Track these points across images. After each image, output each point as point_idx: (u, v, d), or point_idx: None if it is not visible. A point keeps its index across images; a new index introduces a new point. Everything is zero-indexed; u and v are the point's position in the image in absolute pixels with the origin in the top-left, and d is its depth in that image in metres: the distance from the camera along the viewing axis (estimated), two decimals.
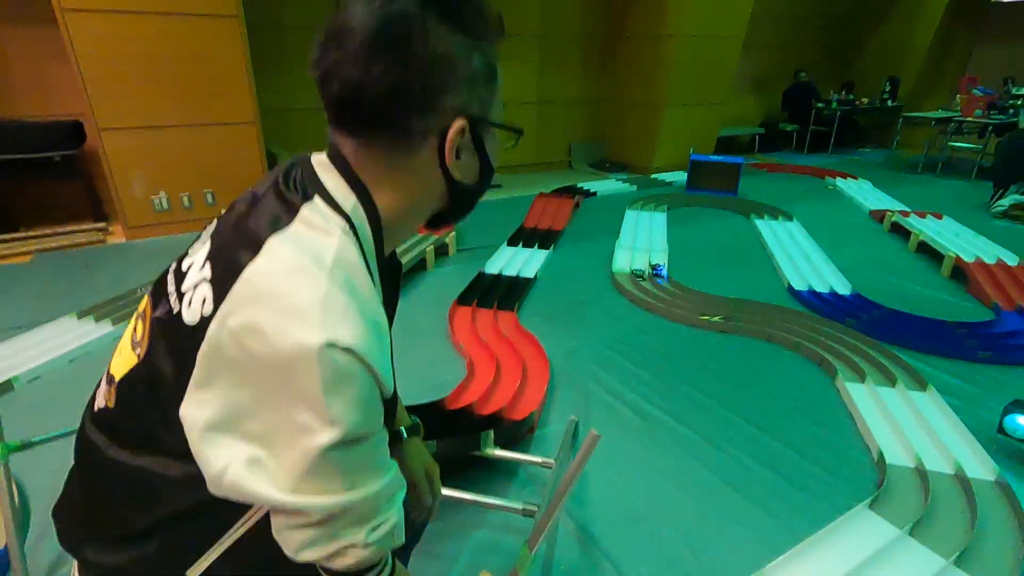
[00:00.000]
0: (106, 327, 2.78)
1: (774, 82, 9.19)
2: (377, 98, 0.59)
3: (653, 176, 6.79)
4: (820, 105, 8.64)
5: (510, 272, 3.65)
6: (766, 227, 4.70)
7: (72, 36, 3.60)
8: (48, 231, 4.13)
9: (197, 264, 0.63)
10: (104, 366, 0.75)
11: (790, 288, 3.50)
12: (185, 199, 4.33)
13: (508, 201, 5.62)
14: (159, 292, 0.67)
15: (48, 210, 4.36)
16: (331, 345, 0.53)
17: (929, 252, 4.10)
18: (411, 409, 2.01)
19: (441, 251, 4.05)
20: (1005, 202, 5.35)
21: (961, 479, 1.86)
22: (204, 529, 0.68)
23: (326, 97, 0.63)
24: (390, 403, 0.64)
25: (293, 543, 0.60)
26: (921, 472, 1.89)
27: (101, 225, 4.34)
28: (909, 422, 2.17)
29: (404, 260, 3.53)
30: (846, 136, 9.21)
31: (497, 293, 3.29)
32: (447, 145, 0.64)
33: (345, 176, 0.64)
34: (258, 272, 0.57)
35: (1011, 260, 3.77)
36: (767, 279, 3.71)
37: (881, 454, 1.98)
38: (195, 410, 0.58)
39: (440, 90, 0.62)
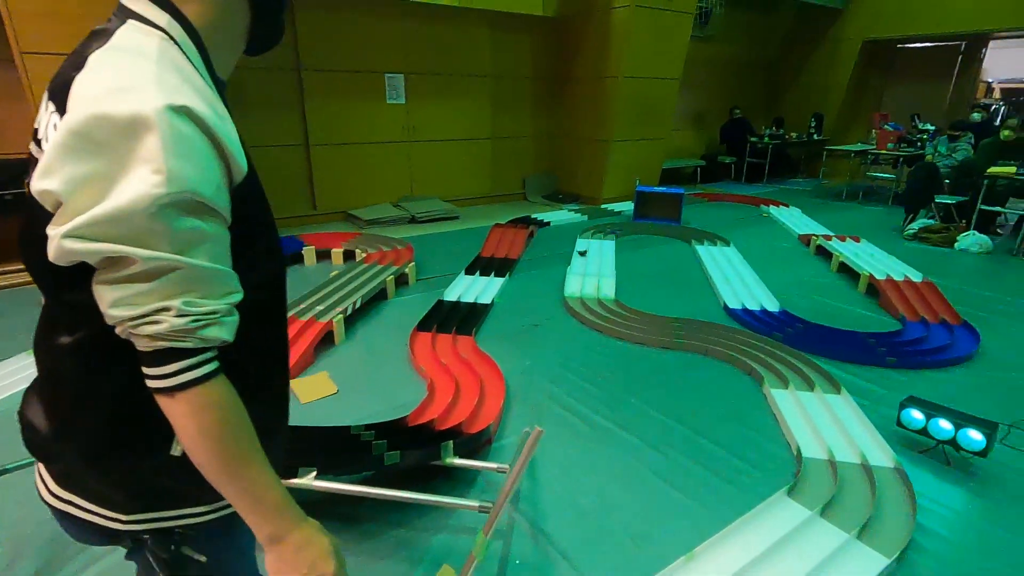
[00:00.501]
0: None
1: (712, 118, 9.89)
2: None
3: (603, 206, 7.17)
4: (754, 139, 9.34)
5: (468, 299, 3.83)
6: (705, 252, 5.07)
7: (30, 78, 3.67)
8: (3, 268, 4.09)
9: (42, 113, 0.66)
10: None
11: (725, 307, 3.81)
12: None
13: (465, 232, 5.85)
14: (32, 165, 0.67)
15: (3, 247, 4.29)
16: (170, 107, 0.56)
17: (848, 272, 4.53)
18: (375, 427, 2.16)
19: (401, 281, 4.20)
20: (915, 226, 5.94)
21: (865, 467, 2.13)
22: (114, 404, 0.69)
23: None
24: (251, 196, 0.69)
25: (108, 298, 0.59)
26: (832, 463, 2.15)
27: None
28: (824, 421, 2.45)
29: (366, 289, 3.67)
30: (779, 167, 9.95)
31: (456, 319, 3.46)
32: None
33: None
34: (86, 78, 0.59)
35: (916, 277, 4.22)
36: (706, 299, 4.02)
37: (799, 449, 2.23)
38: (41, 182, 0.58)
39: None
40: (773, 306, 3.81)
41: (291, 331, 3.07)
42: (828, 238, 5.38)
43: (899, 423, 2.35)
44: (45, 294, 0.69)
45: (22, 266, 3.36)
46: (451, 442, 1.95)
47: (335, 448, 1.92)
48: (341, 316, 3.25)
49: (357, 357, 3.08)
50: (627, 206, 6.91)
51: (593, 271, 4.44)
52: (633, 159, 7.35)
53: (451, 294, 3.92)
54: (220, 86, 0.72)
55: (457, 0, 6.94)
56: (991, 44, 9.21)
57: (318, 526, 0.73)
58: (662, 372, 2.93)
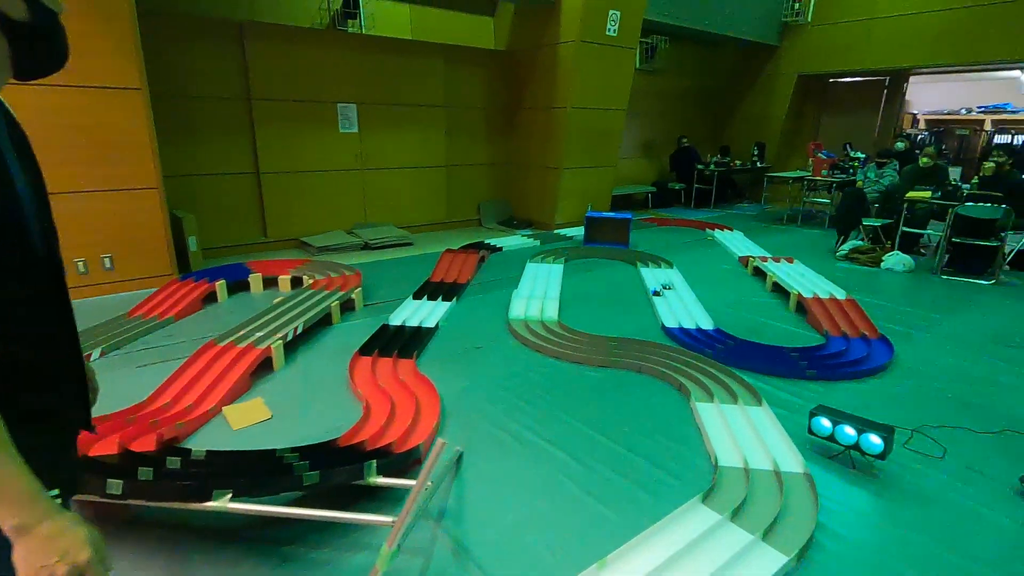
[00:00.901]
0: None
1: (661, 147, 10.32)
2: None
3: (556, 231, 7.35)
4: (701, 167, 9.76)
5: (413, 323, 3.88)
6: (649, 274, 5.26)
7: None
8: None
9: None
10: None
11: (663, 326, 3.96)
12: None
13: (417, 258, 5.91)
14: None
15: None
16: None
17: (781, 291, 4.76)
18: (300, 449, 2.17)
19: (348, 306, 4.22)
20: (846, 247, 6.30)
21: (777, 473, 2.25)
22: None
23: None
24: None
25: None
26: (746, 470, 2.26)
27: None
28: (744, 431, 2.57)
29: (309, 315, 3.67)
30: (726, 193, 10.41)
31: (399, 343, 3.49)
32: None
33: None
34: None
35: (840, 295, 4.47)
36: (646, 319, 4.17)
37: (716, 458, 2.34)
38: None
39: None
40: (708, 324, 3.97)
41: (228, 358, 3.05)
42: (764, 259, 5.65)
43: (810, 431, 2.49)
44: None
45: None
46: (374, 461, 1.98)
47: (256, 471, 1.92)
48: (280, 342, 3.25)
49: (295, 382, 3.07)
50: (579, 231, 7.10)
51: (539, 294, 4.55)
52: (584, 186, 7.59)
53: (397, 318, 3.95)
54: None
55: (411, 33, 7.15)
56: (912, 79, 9.94)
57: (76, 518, 0.72)
58: (596, 389, 3.02)
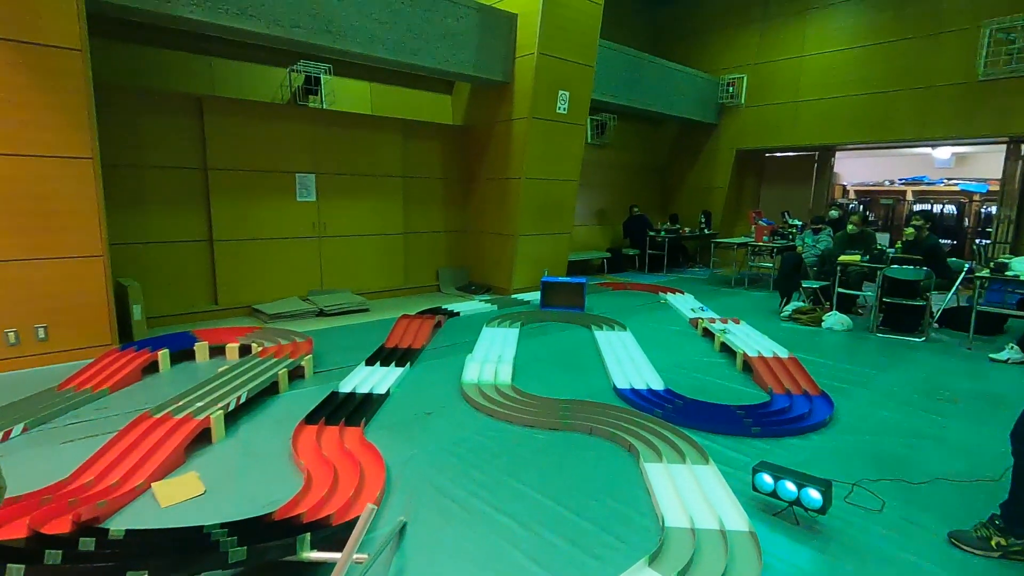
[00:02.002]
0: None
1: (614, 214, 10.80)
2: None
3: (513, 296, 7.46)
4: (652, 233, 10.21)
5: (363, 389, 3.81)
6: (603, 336, 5.36)
7: None
8: None
9: None
10: None
11: (615, 387, 4.01)
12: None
13: (372, 324, 5.87)
14: None
15: None
16: None
17: (729, 351, 4.92)
18: (231, 524, 2.06)
19: (297, 374, 4.12)
20: (789, 308, 6.60)
21: (722, 532, 2.25)
22: None
23: None
24: None
25: None
26: (692, 530, 2.26)
27: None
28: (691, 490, 2.58)
29: (254, 384, 3.57)
30: (677, 258, 10.86)
31: (346, 410, 3.41)
32: None
33: None
34: None
35: (783, 353, 4.65)
36: (598, 381, 4.21)
37: (663, 519, 2.33)
38: None
39: None
40: (658, 385, 4.04)
41: (163, 431, 2.91)
42: (713, 321, 5.86)
43: (754, 487, 2.52)
44: None
45: None
46: (308, 535, 1.89)
47: (178, 549, 1.81)
48: (221, 412, 3.13)
49: (234, 454, 2.94)
50: (536, 295, 7.22)
51: (493, 357, 4.55)
52: (540, 251, 7.81)
53: (347, 385, 3.88)
54: None
55: (371, 109, 7.46)
56: (839, 154, 10.86)
57: None
58: (546, 453, 3.00)
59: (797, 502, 2.39)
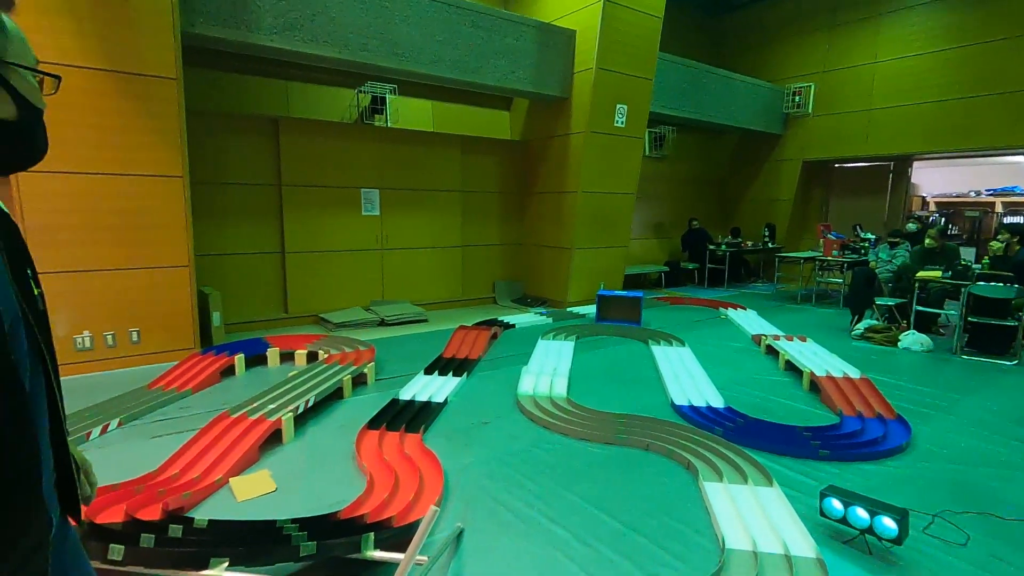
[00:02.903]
0: None
1: (672, 228, 10.61)
2: None
3: (568, 309, 7.45)
4: (712, 247, 9.95)
5: (422, 398, 3.92)
6: (660, 351, 5.27)
7: (21, 193, 3.98)
8: None
9: None
10: None
11: (673, 403, 3.93)
12: (109, 338, 4.47)
13: (430, 334, 6.02)
14: None
15: None
16: None
17: (794, 369, 4.72)
18: (301, 521, 2.18)
19: (360, 380, 4.29)
20: (861, 326, 6.25)
21: (787, 557, 2.17)
22: None
23: None
24: None
25: None
26: (755, 554, 2.19)
27: None
28: (752, 513, 2.50)
29: (321, 388, 3.75)
30: (739, 272, 10.52)
31: (407, 417, 3.53)
32: None
33: None
34: None
35: (855, 374, 4.41)
36: (655, 396, 4.14)
37: (724, 540, 2.27)
38: None
39: None
40: (719, 402, 3.93)
41: (239, 430, 3.12)
42: (777, 338, 5.63)
43: (822, 513, 2.41)
44: None
45: None
46: (372, 534, 1.97)
47: (254, 540, 1.93)
48: (291, 415, 3.31)
49: (303, 455, 3.10)
50: (591, 309, 7.19)
51: (548, 370, 4.57)
52: (595, 265, 7.78)
53: (407, 393, 4.00)
54: None
55: (432, 126, 7.72)
56: (916, 164, 10.23)
57: None
58: (601, 466, 2.98)
59: (870, 530, 2.27)
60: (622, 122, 7.38)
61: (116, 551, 1.72)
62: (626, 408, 3.81)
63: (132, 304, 4.53)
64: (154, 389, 3.98)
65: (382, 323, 6.47)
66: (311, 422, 3.54)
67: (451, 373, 4.51)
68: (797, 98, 10.16)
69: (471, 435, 3.38)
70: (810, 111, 10.09)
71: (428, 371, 4.57)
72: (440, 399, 3.91)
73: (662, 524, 2.45)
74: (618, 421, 3.54)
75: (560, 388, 4.14)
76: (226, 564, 1.73)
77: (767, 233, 10.50)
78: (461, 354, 5.09)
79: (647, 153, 9.64)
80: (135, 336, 4.58)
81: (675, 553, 2.24)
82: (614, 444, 3.27)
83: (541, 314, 7.15)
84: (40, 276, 0.92)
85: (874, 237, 8.84)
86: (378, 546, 2.01)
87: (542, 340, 5.67)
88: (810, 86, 10.07)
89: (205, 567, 1.72)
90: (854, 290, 6.66)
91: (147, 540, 1.80)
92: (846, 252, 8.49)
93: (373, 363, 4.46)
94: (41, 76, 0.83)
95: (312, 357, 4.85)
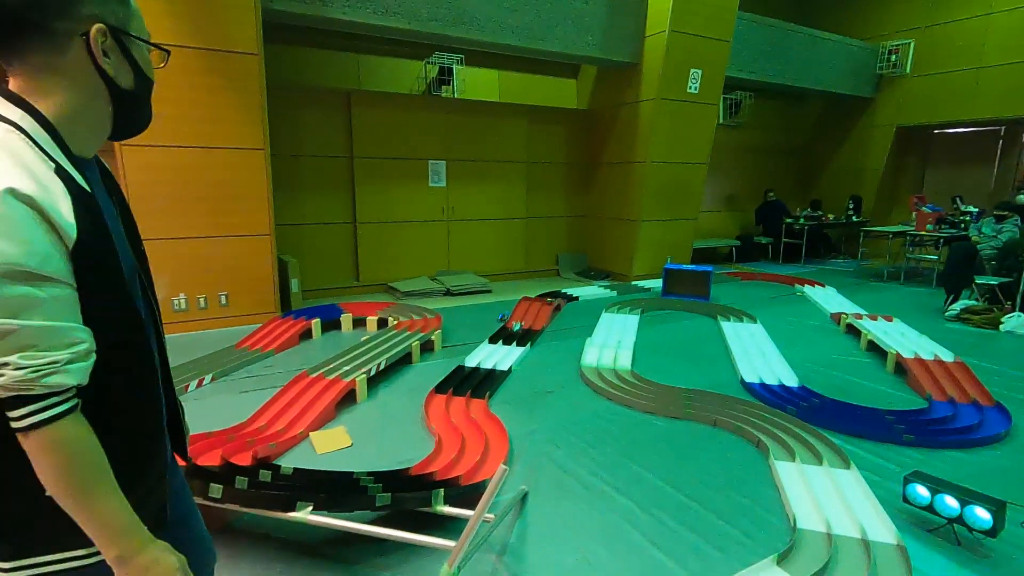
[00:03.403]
0: None
1: (746, 200, 10.09)
2: (18, 5, 0.72)
3: (633, 283, 7.32)
4: (790, 220, 9.40)
5: (487, 365, 4.00)
6: (730, 328, 5.09)
7: (125, 165, 4.32)
8: None
9: None
10: None
11: (742, 380, 3.81)
12: (202, 300, 4.83)
13: (494, 304, 6.10)
14: None
15: None
16: None
17: (878, 350, 4.43)
18: (376, 474, 2.31)
19: (427, 347, 4.43)
20: (957, 306, 5.76)
21: (864, 542, 2.08)
22: None
23: None
24: (87, 266, 0.73)
25: None
26: (829, 535, 2.11)
27: None
28: (828, 494, 2.40)
29: (391, 353, 3.91)
30: (818, 248, 9.91)
31: (472, 383, 3.62)
32: (92, 44, 0.77)
33: (5, 97, 0.76)
34: None
35: (947, 357, 4.09)
36: (724, 373, 4.03)
37: (795, 520, 2.21)
38: None
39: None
40: (792, 381, 3.77)
41: (317, 389, 3.31)
42: (859, 316, 5.30)
43: (905, 499, 2.29)
44: None
45: None
46: (442, 490, 2.06)
47: (335, 488, 2.07)
48: (364, 376, 3.48)
49: (375, 415, 3.26)
50: (657, 283, 7.03)
51: (612, 343, 4.54)
52: (663, 238, 7.56)
53: (472, 360, 4.10)
54: (81, 163, 0.81)
55: (498, 96, 7.68)
56: None
57: (166, 547, 0.80)
58: (666, 440, 2.95)
59: (959, 520, 2.13)
60: (695, 88, 7.03)
61: (216, 490, 1.89)
62: (692, 383, 3.73)
63: (221, 270, 4.87)
64: (240, 348, 4.29)
65: (448, 293, 6.61)
66: (382, 384, 3.70)
67: (515, 343, 4.57)
68: (894, 57, 9.28)
69: (535, 403, 3.43)
70: (908, 71, 9.19)
71: (492, 340, 4.65)
72: (504, 367, 3.98)
73: (729, 499, 2.41)
74: (684, 395, 3.48)
75: (624, 361, 4.11)
76: (310, 508, 1.87)
77: (851, 206, 9.78)
78: (525, 324, 5.13)
79: (721, 121, 9.16)
80: (223, 300, 4.93)
81: (742, 528, 2.20)
82: (679, 418, 3.22)
83: (605, 287, 7.06)
84: (144, 242, 1.00)
85: (976, 210, 8.03)
86: (447, 502, 2.10)
87: (606, 313, 5.61)
88: (909, 43, 9.15)
89: (292, 509, 1.87)
90: (951, 267, 6.12)
91: (241, 482, 1.97)
92: (942, 227, 7.80)
93: (440, 331, 4.59)
94: (154, 48, 0.90)
95: (383, 323, 5.05)
